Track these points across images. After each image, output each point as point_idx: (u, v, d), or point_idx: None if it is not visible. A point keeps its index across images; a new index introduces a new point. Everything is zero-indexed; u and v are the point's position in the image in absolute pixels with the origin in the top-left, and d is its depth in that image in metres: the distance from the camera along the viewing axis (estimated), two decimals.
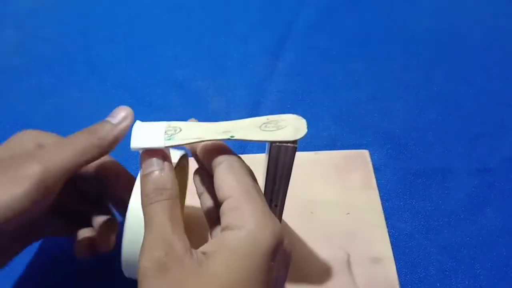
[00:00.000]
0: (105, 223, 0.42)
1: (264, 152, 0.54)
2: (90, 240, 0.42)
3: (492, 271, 0.49)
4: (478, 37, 0.69)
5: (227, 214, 0.32)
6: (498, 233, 0.51)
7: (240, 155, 0.54)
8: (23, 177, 0.33)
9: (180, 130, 0.34)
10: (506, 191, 0.54)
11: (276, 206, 0.41)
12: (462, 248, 0.50)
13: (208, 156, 0.35)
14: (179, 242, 0.31)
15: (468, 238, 0.51)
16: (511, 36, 0.69)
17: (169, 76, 0.64)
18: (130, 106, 0.59)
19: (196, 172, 0.40)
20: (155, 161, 0.33)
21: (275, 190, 0.38)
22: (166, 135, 0.33)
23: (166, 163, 0.33)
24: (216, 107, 0.61)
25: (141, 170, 0.34)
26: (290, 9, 0.72)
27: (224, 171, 0.33)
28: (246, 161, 0.53)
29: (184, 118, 0.59)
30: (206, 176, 0.39)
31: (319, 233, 0.49)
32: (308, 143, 0.56)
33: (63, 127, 0.58)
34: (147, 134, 0.34)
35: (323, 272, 0.46)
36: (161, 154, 0.34)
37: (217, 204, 0.34)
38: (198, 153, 0.36)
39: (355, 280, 0.46)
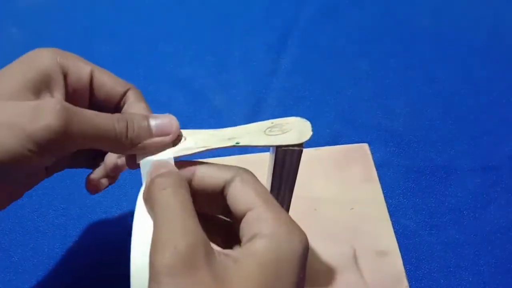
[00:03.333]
0: None
1: (265, 152, 0.54)
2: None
3: (496, 267, 0.49)
4: (480, 35, 0.69)
5: (252, 225, 0.29)
6: (501, 230, 0.51)
7: (243, 155, 0.55)
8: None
9: (185, 139, 0.34)
10: (509, 188, 0.54)
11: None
12: (466, 244, 0.50)
13: (206, 180, 0.32)
14: (203, 236, 0.27)
15: (471, 235, 0.51)
16: None
17: (172, 74, 0.64)
18: None
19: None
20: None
21: (281, 193, 0.38)
22: (172, 146, 0.33)
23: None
24: (219, 104, 0.61)
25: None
26: (292, 6, 0.71)
27: (239, 185, 0.31)
28: (249, 161, 0.54)
29: (186, 115, 0.60)
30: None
31: (324, 229, 0.49)
32: (310, 141, 0.56)
33: None
34: None
35: (331, 268, 0.47)
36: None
37: (227, 222, 0.33)
38: (195, 181, 0.32)
39: (363, 274, 0.47)
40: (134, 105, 0.35)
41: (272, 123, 0.34)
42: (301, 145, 0.33)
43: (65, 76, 0.33)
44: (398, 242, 0.49)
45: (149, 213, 0.29)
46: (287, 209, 0.42)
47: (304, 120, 0.34)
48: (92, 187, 0.39)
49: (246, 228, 0.29)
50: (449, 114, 0.60)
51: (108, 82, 0.35)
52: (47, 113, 0.28)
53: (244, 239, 0.29)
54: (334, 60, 0.66)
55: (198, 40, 0.68)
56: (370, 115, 0.60)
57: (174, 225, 0.26)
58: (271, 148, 0.35)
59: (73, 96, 0.34)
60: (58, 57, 0.33)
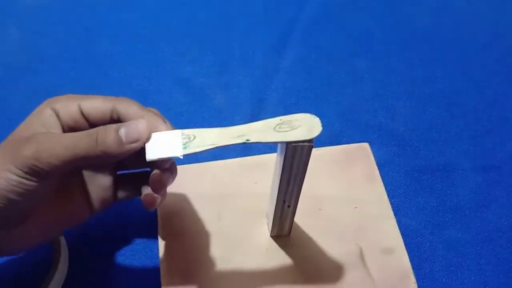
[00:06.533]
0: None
1: (269, 152, 0.54)
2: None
3: (498, 267, 0.49)
4: (481, 34, 0.69)
5: None
6: (503, 230, 0.52)
7: (247, 157, 0.54)
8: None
9: (194, 137, 0.34)
10: (511, 187, 0.54)
11: (289, 206, 0.41)
12: (468, 244, 0.51)
13: None
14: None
15: (473, 234, 0.51)
16: None
17: (173, 73, 0.64)
18: None
19: None
20: None
21: (289, 191, 0.38)
22: (181, 144, 0.33)
23: None
24: (220, 104, 0.61)
25: None
26: (293, 5, 0.72)
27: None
28: (254, 162, 0.54)
29: (188, 115, 0.60)
30: None
31: (329, 229, 0.49)
32: None
33: None
34: (162, 144, 0.34)
35: (338, 267, 0.47)
36: None
37: None
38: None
39: (370, 273, 0.47)
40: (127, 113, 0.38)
41: (281, 120, 0.34)
42: (311, 141, 0.33)
43: (58, 118, 0.38)
44: None
45: None
46: (294, 208, 0.42)
47: (313, 116, 0.34)
48: (148, 203, 0.40)
49: None
50: (450, 113, 0.61)
51: (95, 105, 0.38)
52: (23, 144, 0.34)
53: None
54: (335, 59, 0.66)
55: (199, 40, 0.68)
56: (371, 115, 0.60)
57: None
58: (279, 145, 0.35)
59: (74, 129, 0.38)
60: (50, 105, 0.38)
